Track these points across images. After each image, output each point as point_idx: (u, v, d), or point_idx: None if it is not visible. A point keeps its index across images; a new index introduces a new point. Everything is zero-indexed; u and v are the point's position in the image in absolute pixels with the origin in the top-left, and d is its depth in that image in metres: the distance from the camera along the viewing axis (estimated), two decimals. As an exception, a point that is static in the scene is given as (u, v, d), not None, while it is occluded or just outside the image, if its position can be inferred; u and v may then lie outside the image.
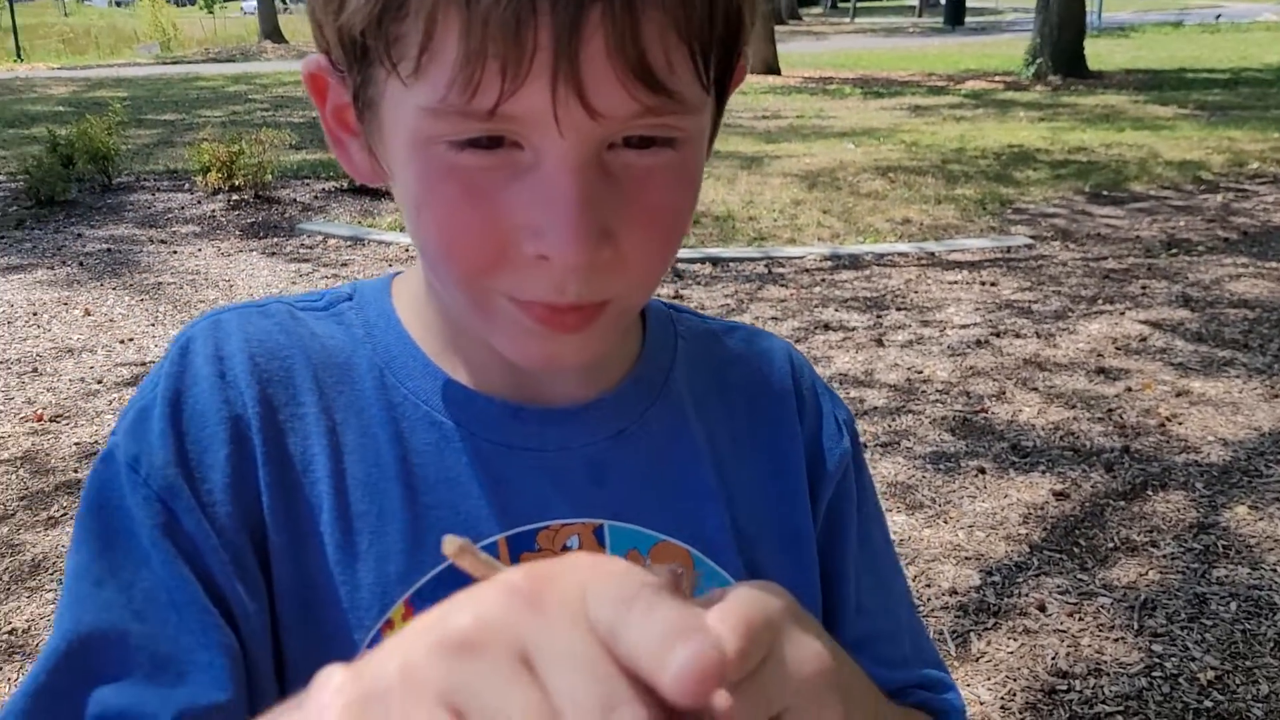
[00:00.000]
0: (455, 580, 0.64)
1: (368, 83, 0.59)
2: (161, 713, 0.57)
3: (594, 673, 0.33)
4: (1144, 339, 4.93)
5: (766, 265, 6.17)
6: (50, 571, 3.12)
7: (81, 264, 6.07)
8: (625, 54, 0.53)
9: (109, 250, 6.34)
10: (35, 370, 4.55)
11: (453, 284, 0.62)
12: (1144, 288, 5.71)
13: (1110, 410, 4.17)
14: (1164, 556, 3.16)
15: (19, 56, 22.01)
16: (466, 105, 0.54)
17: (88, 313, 5.28)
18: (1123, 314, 5.28)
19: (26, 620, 2.88)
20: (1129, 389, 4.36)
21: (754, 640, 0.44)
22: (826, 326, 5.12)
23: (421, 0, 0.53)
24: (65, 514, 3.38)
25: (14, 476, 3.64)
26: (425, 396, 0.70)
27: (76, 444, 3.87)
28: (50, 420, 4.08)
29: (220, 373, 0.65)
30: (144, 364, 4.62)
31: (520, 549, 0.68)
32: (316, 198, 7.55)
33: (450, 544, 0.40)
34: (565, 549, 0.69)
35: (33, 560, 3.15)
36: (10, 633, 2.83)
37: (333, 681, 0.36)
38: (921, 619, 0.86)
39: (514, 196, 0.57)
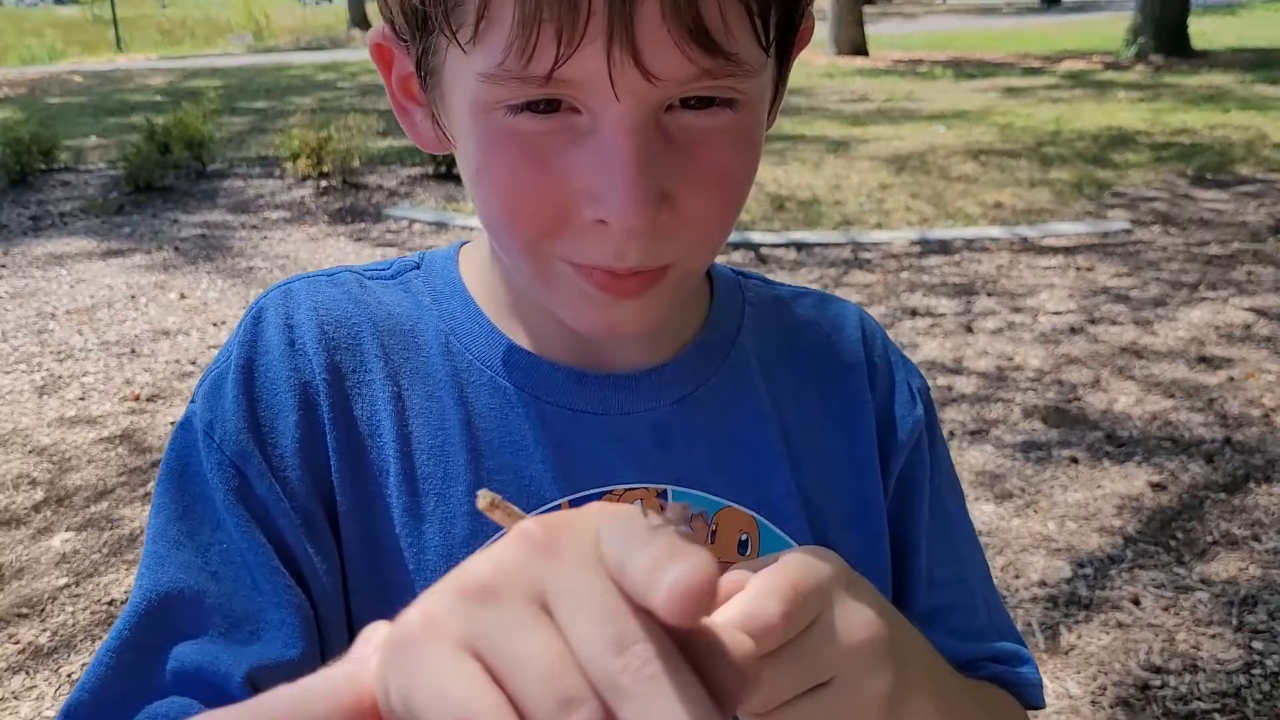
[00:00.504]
0: None
1: (429, 51, 0.60)
2: (235, 669, 0.59)
3: (607, 612, 0.33)
4: (1248, 327, 4.72)
5: (852, 250, 6.07)
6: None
7: (177, 249, 6.25)
8: (680, 16, 0.52)
9: (203, 235, 6.52)
10: (133, 351, 4.70)
11: (514, 250, 0.63)
12: (1249, 274, 5.47)
13: (1211, 400, 4.00)
14: (1266, 551, 3.02)
15: (119, 48, 22.80)
16: (523, 70, 0.54)
17: (183, 296, 5.44)
18: (1226, 301, 5.06)
19: (125, 591, 2.98)
20: (1231, 378, 4.18)
21: (800, 605, 0.46)
22: (914, 313, 5.01)
23: None
24: (159, 489, 3.49)
25: (113, 454, 3.76)
26: (489, 361, 0.70)
27: (171, 423, 3.99)
28: (147, 400, 4.21)
29: (290, 341, 0.67)
30: (236, 345, 4.74)
31: None
32: (402, 183, 7.66)
33: (483, 498, 0.41)
34: None
35: (130, 534, 3.25)
36: (110, 604, 2.93)
37: (376, 636, 0.38)
38: (997, 590, 0.83)
39: (572, 161, 0.57)
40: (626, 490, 0.69)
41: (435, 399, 0.69)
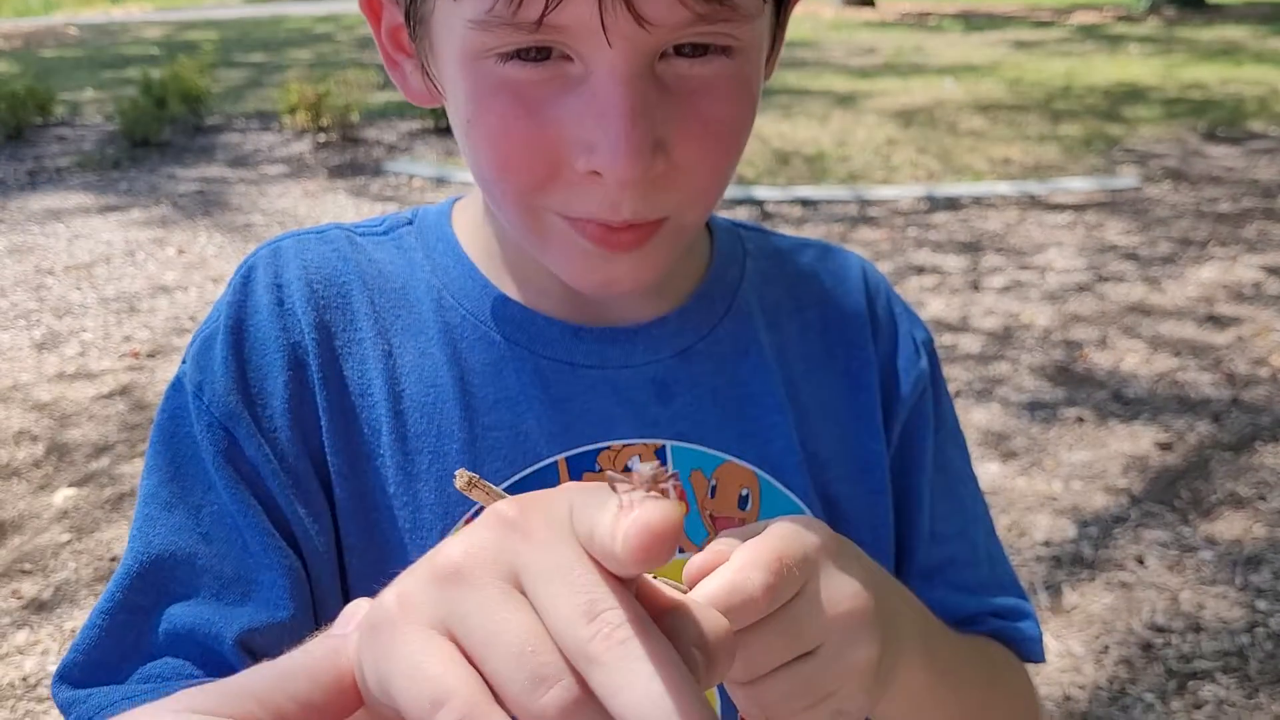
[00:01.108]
0: None
1: (418, 1, 0.59)
2: (226, 631, 0.60)
3: (577, 583, 0.33)
4: (1258, 285, 4.67)
5: (858, 206, 6.00)
6: (145, 502, 3.21)
7: (175, 204, 6.20)
8: None
9: (200, 191, 6.46)
10: (132, 308, 4.67)
11: (505, 203, 0.61)
12: (1260, 231, 5.40)
13: (1219, 359, 3.96)
14: (1272, 511, 3.00)
15: None
16: (513, 16, 0.52)
17: (181, 252, 5.40)
18: (1235, 259, 5.01)
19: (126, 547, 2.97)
20: (1240, 337, 4.14)
21: (784, 577, 0.46)
22: (920, 270, 4.97)
23: None
24: (159, 446, 3.48)
25: (113, 410, 3.74)
26: (483, 316, 0.69)
27: (170, 380, 3.97)
28: (146, 356, 4.18)
29: (279, 300, 0.67)
30: (235, 301, 4.71)
31: (581, 469, 0.67)
32: (401, 138, 7.59)
33: (460, 477, 0.41)
34: (627, 470, 0.66)
35: (131, 490, 3.24)
36: (112, 560, 2.93)
37: (358, 614, 0.38)
38: (1000, 543, 0.81)
39: (564, 110, 0.56)
40: (624, 446, 0.67)
41: (427, 355, 0.67)
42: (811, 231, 5.53)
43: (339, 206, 6.11)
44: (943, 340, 4.16)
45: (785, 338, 0.74)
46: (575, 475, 0.66)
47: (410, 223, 0.74)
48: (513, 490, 0.65)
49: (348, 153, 7.27)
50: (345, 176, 6.74)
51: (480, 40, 0.55)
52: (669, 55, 0.56)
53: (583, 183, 0.57)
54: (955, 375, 3.85)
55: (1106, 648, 2.50)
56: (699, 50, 0.56)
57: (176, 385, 0.66)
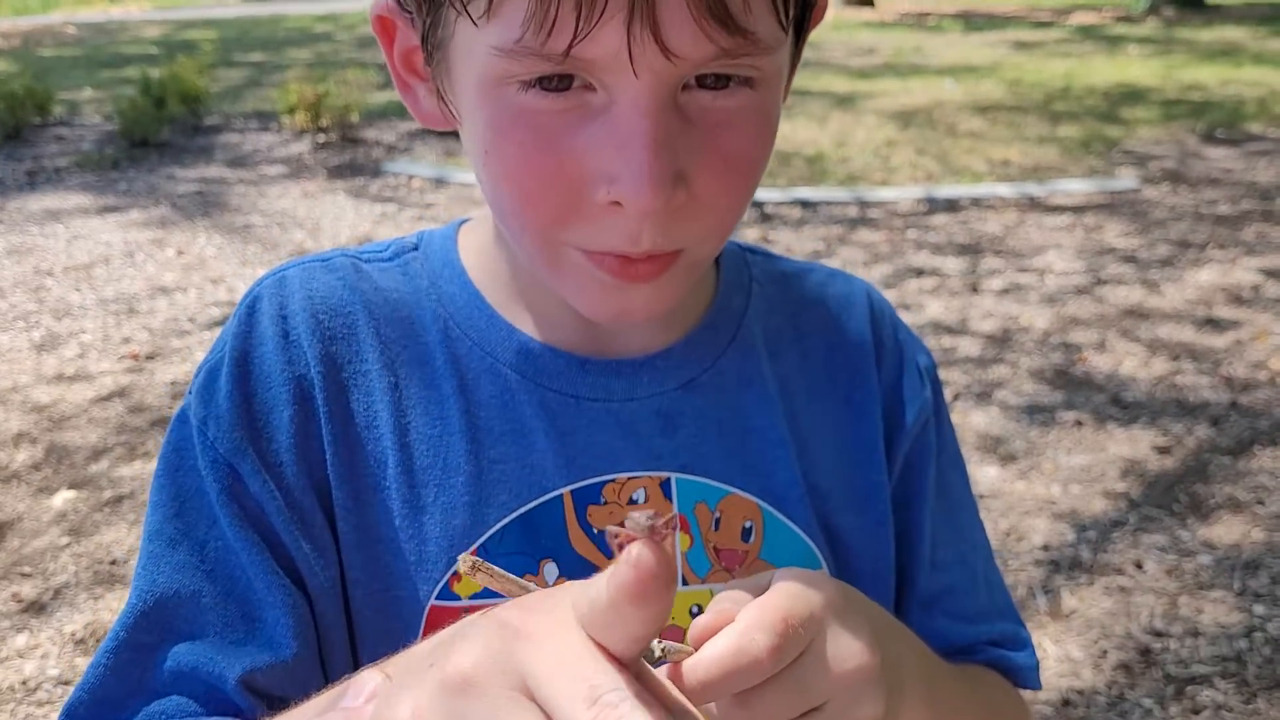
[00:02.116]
0: (520, 534, 0.64)
1: (437, 24, 0.58)
2: (229, 671, 0.60)
3: (577, 673, 0.34)
4: (1256, 288, 4.67)
5: (858, 207, 6.01)
6: (146, 504, 3.21)
7: (174, 204, 6.19)
8: None
9: (199, 191, 6.46)
10: (131, 309, 4.67)
11: (523, 236, 0.61)
12: (1259, 234, 5.41)
13: (1218, 362, 3.97)
14: (1270, 515, 3.01)
15: (115, -1, 22.48)
16: (541, 46, 0.52)
17: (180, 253, 5.40)
18: (1234, 261, 5.01)
19: (126, 551, 2.98)
20: (1238, 341, 4.14)
21: (790, 637, 0.46)
22: (919, 272, 4.97)
23: None
24: (159, 449, 3.48)
25: (112, 412, 3.74)
26: (490, 348, 0.68)
27: (171, 382, 3.97)
28: (145, 358, 4.18)
29: (284, 332, 0.66)
30: (233, 303, 4.70)
31: (586, 502, 0.67)
32: (401, 138, 7.58)
33: (464, 562, 0.42)
34: (632, 502, 0.67)
35: (130, 493, 3.24)
36: (112, 563, 2.93)
37: (368, 687, 0.40)
38: (999, 570, 0.82)
39: (586, 140, 0.55)
40: (629, 478, 0.67)
41: (434, 387, 0.67)
42: (811, 233, 5.54)
43: (338, 207, 6.11)
44: (941, 343, 4.16)
45: (788, 367, 0.73)
46: (580, 508, 0.66)
47: (416, 248, 0.73)
48: (520, 523, 0.65)
49: (347, 153, 7.27)
50: (345, 177, 6.74)
51: (504, 68, 0.54)
52: (691, 86, 0.56)
53: (602, 215, 0.57)
54: (954, 378, 3.85)
55: (1105, 652, 2.50)
56: (721, 81, 0.56)
57: (181, 418, 0.66)
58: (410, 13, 0.60)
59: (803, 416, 0.72)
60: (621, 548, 0.38)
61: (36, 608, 2.73)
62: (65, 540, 3.01)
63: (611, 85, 0.54)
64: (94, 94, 9.42)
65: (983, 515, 2.71)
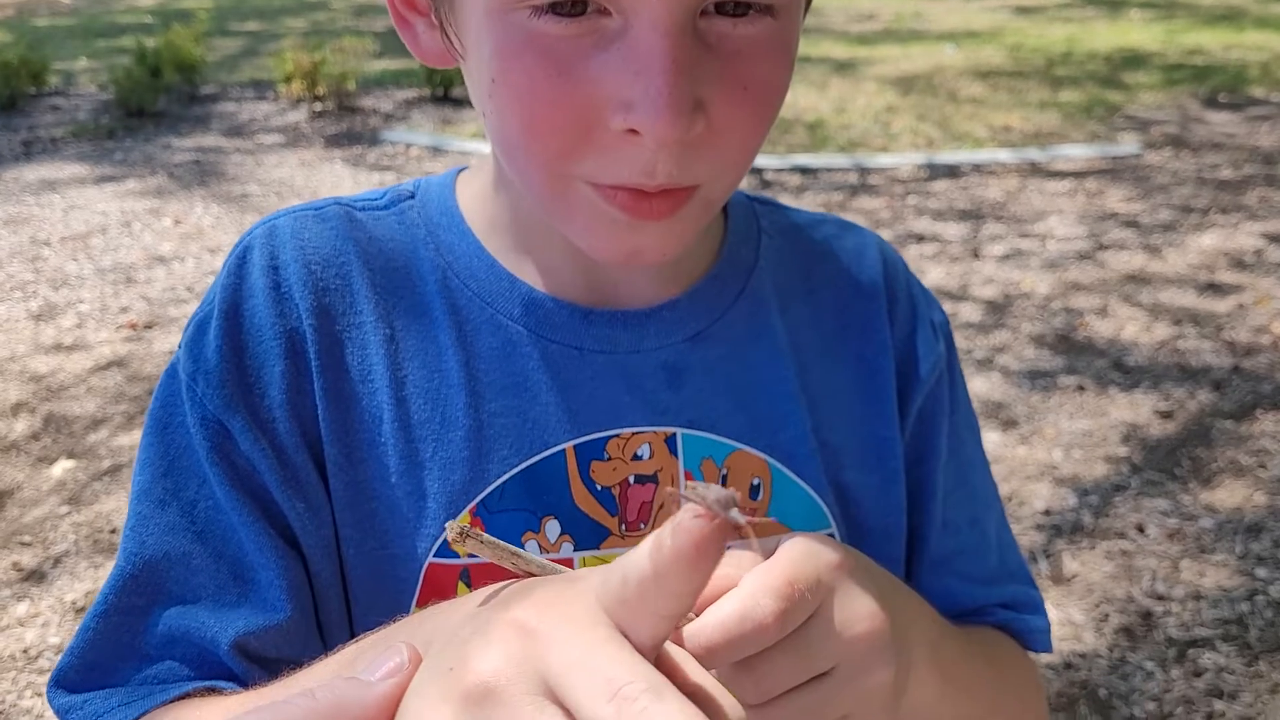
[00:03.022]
0: (521, 490, 0.62)
1: None
2: (222, 634, 0.59)
3: (595, 668, 0.34)
4: (1259, 252, 4.65)
5: (858, 174, 5.97)
6: (144, 473, 3.20)
7: (170, 174, 6.15)
8: None
9: (196, 161, 6.41)
10: (129, 279, 4.64)
11: (530, 170, 0.58)
12: (1261, 198, 5.37)
13: (1220, 327, 3.95)
14: (1272, 479, 3.00)
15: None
16: None
17: (177, 222, 5.37)
18: (1236, 226, 4.98)
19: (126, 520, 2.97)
20: (1240, 305, 4.13)
21: (796, 602, 0.45)
22: (920, 238, 4.94)
23: None
24: (158, 418, 3.47)
25: (112, 382, 3.73)
26: (490, 298, 0.66)
27: (169, 351, 3.95)
28: (144, 328, 4.16)
29: (275, 284, 0.64)
30: (232, 272, 4.68)
31: (589, 457, 0.65)
32: (398, 106, 7.52)
33: (451, 529, 0.41)
34: (635, 458, 0.65)
35: (129, 462, 3.23)
36: (112, 532, 2.93)
37: (386, 664, 0.39)
38: (1011, 532, 0.80)
39: (600, 66, 0.52)
40: (634, 434, 0.65)
41: (431, 339, 0.65)
42: (811, 199, 5.50)
43: (336, 176, 6.07)
44: (943, 309, 4.14)
45: (798, 321, 0.71)
46: (583, 463, 0.65)
47: (413, 196, 0.70)
48: (521, 478, 0.63)
49: (344, 121, 7.21)
50: (342, 145, 6.69)
51: None
52: (710, 13, 0.53)
53: (616, 145, 0.54)
54: (956, 344, 3.83)
55: (1107, 616, 2.50)
56: (741, 9, 0.53)
57: (171, 372, 0.64)
58: None
59: (813, 371, 0.70)
60: (672, 510, 0.37)
61: (37, 576, 2.73)
62: (65, 509, 3.01)
63: (628, 7, 0.51)
64: (89, 63, 9.33)
65: (986, 477, 2.62)
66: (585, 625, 0.36)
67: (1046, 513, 2.88)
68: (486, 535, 0.43)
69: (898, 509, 0.71)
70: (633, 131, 0.53)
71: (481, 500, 0.63)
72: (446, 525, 0.43)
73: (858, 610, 0.49)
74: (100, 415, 3.51)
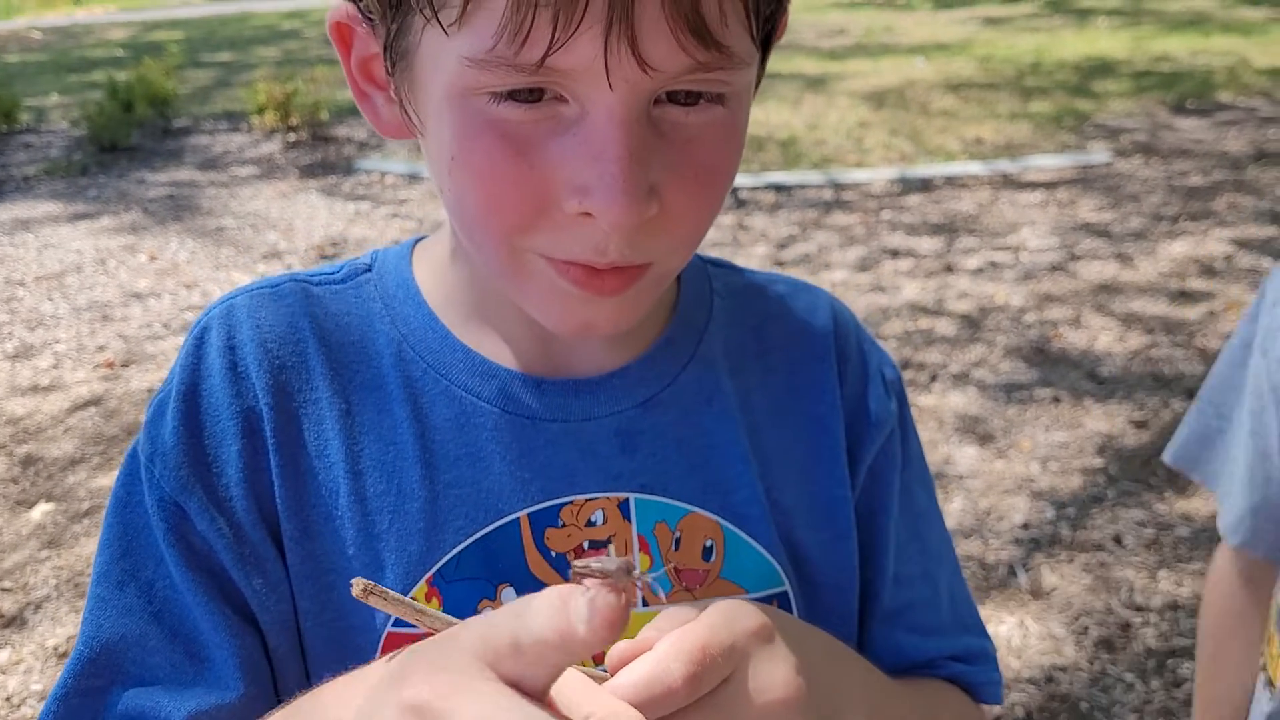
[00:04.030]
0: (477, 559, 0.63)
1: (403, 32, 0.57)
2: (175, 713, 0.60)
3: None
4: (1229, 258, 4.71)
5: (832, 190, 6.01)
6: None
7: (145, 209, 6.14)
8: (680, 4, 0.50)
9: (170, 195, 6.40)
10: (105, 317, 4.63)
11: (486, 243, 0.59)
12: (1230, 204, 5.44)
13: (1192, 335, 3.99)
14: (1249, 487, 3.03)
15: (77, 0, 22.21)
16: (515, 56, 0.51)
17: (153, 258, 5.35)
18: (1206, 233, 5.04)
19: (103, 563, 2.95)
20: (1211, 312, 4.17)
21: (707, 666, 0.47)
22: (894, 253, 4.98)
23: None
24: (136, 458, 3.46)
25: (90, 423, 3.72)
26: (445, 370, 0.67)
27: (147, 389, 3.94)
28: (121, 366, 4.15)
29: (232, 364, 0.65)
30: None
31: (544, 525, 0.66)
32: (372, 135, 7.52)
33: (356, 585, 0.43)
34: (590, 524, 0.66)
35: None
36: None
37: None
38: (965, 581, 0.82)
39: (557, 150, 0.54)
40: (588, 500, 0.66)
41: (386, 412, 0.66)
42: (786, 217, 5.54)
43: (311, 207, 6.07)
44: (918, 324, 4.18)
45: (750, 382, 0.73)
46: (538, 531, 0.66)
47: (369, 269, 0.71)
48: (476, 547, 0.65)
49: (318, 151, 7.22)
50: (317, 176, 6.69)
51: (475, 78, 0.53)
52: (662, 101, 0.55)
53: (571, 224, 0.56)
54: (931, 359, 3.87)
55: (1086, 629, 2.52)
56: (692, 98, 0.55)
57: (132, 454, 0.65)
58: (372, 20, 0.59)
59: (764, 432, 0.71)
60: (581, 581, 0.39)
61: (18, 622, 2.72)
62: (45, 553, 2.99)
63: (584, 96, 0.53)
64: (61, 99, 9.31)
65: (962, 495, 2.71)
66: (475, 685, 0.38)
67: (1025, 526, 2.91)
68: (391, 592, 0.45)
69: (849, 565, 0.73)
70: (587, 214, 0.54)
71: (438, 570, 0.64)
72: (351, 582, 0.44)
73: (774, 677, 0.50)
74: (78, 456, 3.49)
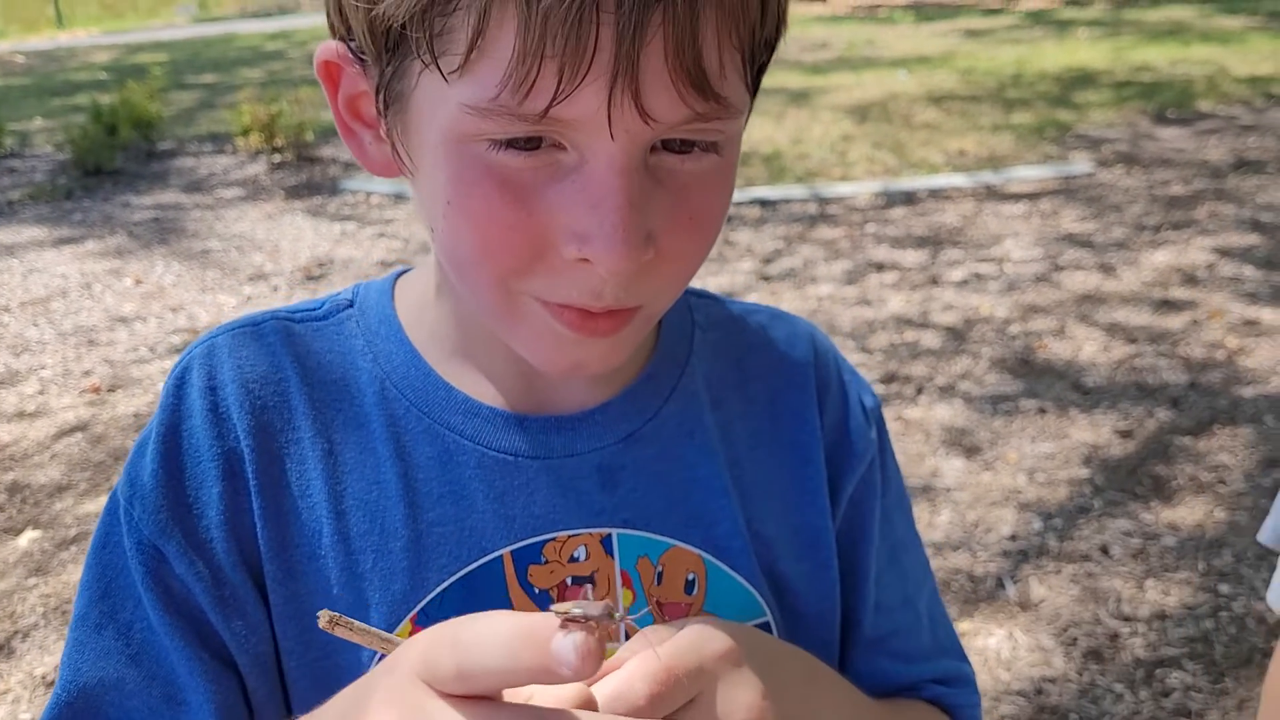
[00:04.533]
0: (461, 597, 0.64)
1: (399, 75, 0.57)
2: None
3: None
4: (1210, 267, 4.74)
5: (816, 204, 6.04)
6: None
7: (130, 233, 6.13)
8: (683, 57, 0.51)
9: (156, 218, 6.40)
10: (91, 341, 4.62)
11: (481, 286, 0.60)
12: (1211, 213, 5.49)
13: (1175, 344, 4.02)
14: (1232, 494, 3.05)
15: (60, 24, 22.20)
16: (518, 106, 0.51)
17: (138, 281, 5.34)
18: (1188, 242, 5.09)
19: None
20: (1195, 321, 4.21)
21: (671, 686, 0.48)
22: (879, 266, 5.00)
23: None
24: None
25: (76, 448, 3.70)
26: (428, 408, 0.68)
27: (134, 414, 3.93)
28: (107, 390, 4.14)
29: (213, 405, 0.65)
30: (195, 331, 4.67)
31: (526, 562, 0.66)
32: (360, 155, 7.53)
33: (323, 617, 0.45)
34: (572, 560, 0.67)
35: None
36: (76, 602, 2.89)
37: None
38: (942, 603, 0.83)
39: (556, 197, 0.55)
40: (570, 537, 0.67)
41: (369, 451, 0.66)
42: (771, 231, 5.56)
43: (297, 228, 6.07)
44: (904, 336, 4.20)
45: (731, 414, 0.73)
46: (521, 568, 0.66)
47: (351, 304, 0.72)
48: (460, 585, 0.65)
49: (304, 172, 7.22)
50: (302, 197, 6.69)
51: (475, 125, 0.53)
52: (658, 149, 0.56)
53: (567, 269, 0.56)
54: (917, 372, 3.88)
55: (1075, 640, 2.53)
56: (686, 146, 0.56)
57: (113, 496, 0.66)
58: (364, 60, 0.59)
59: (745, 464, 0.72)
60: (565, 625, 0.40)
61: (6, 651, 2.70)
62: (32, 581, 2.97)
63: (584, 145, 0.53)
64: (45, 123, 9.30)
65: (950, 507, 2.72)
66: (424, 710, 0.41)
67: (1012, 538, 2.92)
68: (356, 623, 0.47)
69: (831, 595, 0.73)
70: (585, 260, 0.55)
71: (421, 608, 0.65)
72: (319, 613, 0.46)
73: (739, 700, 0.52)
74: (65, 482, 3.48)
